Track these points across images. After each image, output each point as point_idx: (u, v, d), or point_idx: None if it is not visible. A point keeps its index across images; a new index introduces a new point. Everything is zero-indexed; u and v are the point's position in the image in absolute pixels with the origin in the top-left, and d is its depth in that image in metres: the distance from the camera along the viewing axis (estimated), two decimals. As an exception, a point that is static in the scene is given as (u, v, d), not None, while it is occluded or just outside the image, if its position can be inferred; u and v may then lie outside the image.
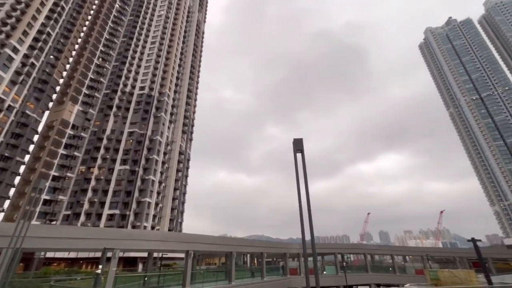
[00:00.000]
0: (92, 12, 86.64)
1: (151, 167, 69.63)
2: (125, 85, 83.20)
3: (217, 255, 55.76)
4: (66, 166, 65.99)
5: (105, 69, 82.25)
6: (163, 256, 43.97)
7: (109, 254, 16.23)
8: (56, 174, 63.72)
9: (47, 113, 68.07)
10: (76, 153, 68.24)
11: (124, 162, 70.08)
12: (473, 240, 22.84)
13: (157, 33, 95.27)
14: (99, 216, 62.81)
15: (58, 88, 70.95)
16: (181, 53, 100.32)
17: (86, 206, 63.78)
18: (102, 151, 71.23)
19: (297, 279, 34.90)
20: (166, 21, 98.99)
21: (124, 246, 18.70)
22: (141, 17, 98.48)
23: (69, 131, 68.74)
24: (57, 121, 68.14)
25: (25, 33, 61.03)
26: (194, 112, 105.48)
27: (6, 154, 55.31)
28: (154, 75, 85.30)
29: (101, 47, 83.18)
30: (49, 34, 66.76)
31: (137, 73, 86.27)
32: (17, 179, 58.40)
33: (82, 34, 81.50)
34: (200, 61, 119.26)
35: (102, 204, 64.54)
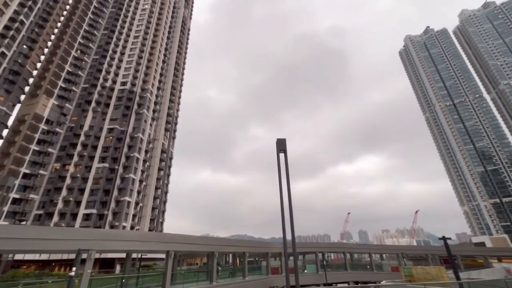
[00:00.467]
0: (70, 1, 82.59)
1: (132, 165, 67.97)
2: (105, 80, 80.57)
3: (198, 255, 55.12)
4: (38, 163, 62.50)
5: (83, 62, 78.75)
6: (143, 256, 42.83)
7: (84, 256, 15.54)
8: (27, 171, 60.15)
9: (18, 106, 64.09)
10: (50, 150, 64.79)
11: (103, 159, 67.81)
12: (443, 239, 24.15)
13: (141, 27, 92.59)
14: (75, 216, 60.14)
15: (31, 80, 67.00)
16: (166, 49, 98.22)
17: (60, 205, 60.84)
18: (79, 147, 68.37)
19: (279, 278, 35.25)
20: (150, 16, 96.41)
21: (100, 247, 18.00)
22: (123, 10, 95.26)
23: (42, 126, 65.11)
24: (29, 115, 64.32)
25: (-5, 20, 57.02)
26: (177, 110, 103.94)
27: (-29, 149, 51.39)
28: (136, 70, 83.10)
29: (79, 39, 79.53)
30: (22, 23, 62.82)
31: (118, 67, 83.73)
32: (-17, 176, 54.38)
33: (59, 25, 77.46)
34: (185, 58, 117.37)
35: (78, 203, 61.87)
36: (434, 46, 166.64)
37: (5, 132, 59.21)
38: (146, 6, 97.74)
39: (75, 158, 67.01)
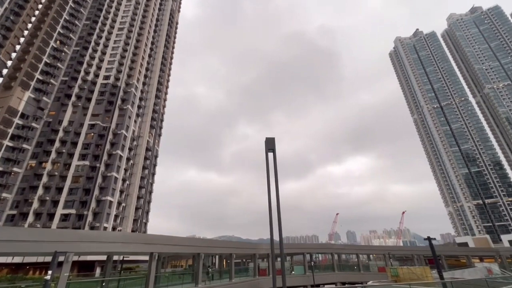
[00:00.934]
0: (50, -12, 79.38)
1: (114, 163, 66.66)
2: (87, 73, 78.52)
3: (184, 257, 54.54)
4: (12, 160, 59.85)
5: (63, 54, 76.03)
6: (125, 259, 41.92)
7: (61, 258, 15.03)
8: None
9: (-10, 98, 61.02)
10: (25, 146, 62.19)
11: (83, 157, 66.10)
12: (428, 239, 25.03)
13: (126, 18, 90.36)
14: (51, 216, 58.14)
15: (5, 71, 64.04)
16: (152, 43, 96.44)
17: (35, 205, 58.61)
18: (57, 144, 66.16)
19: (266, 280, 35.43)
20: (136, 7, 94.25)
21: (79, 249, 17.46)
22: (108, 0, 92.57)
23: (17, 120, 62.36)
24: (2, 108, 61.41)
25: (-35, 5, 54.02)
26: (164, 106, 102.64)
27: None
28: (121, 64, 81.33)
29: (59, 29, 76.65)
30: (-5, 9, 59.85)
31: (101, 60, 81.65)
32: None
33: (36, 13, 74.38)
34: (172, 53, 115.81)
35: (55, 203, 59.84)
36: (423, 48, 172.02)
37: (-25, 126, 56.31)
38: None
39: (53, 155, 64.85)
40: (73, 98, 73.38)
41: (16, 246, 15.56)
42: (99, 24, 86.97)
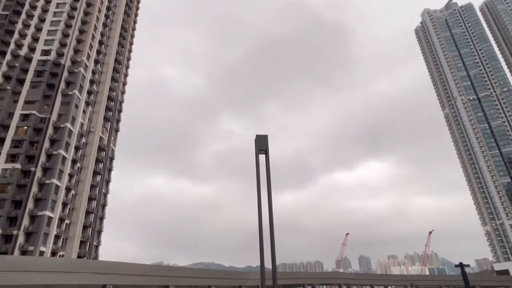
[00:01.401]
0: None
1: (55, 167, 65.69)
2: (18, 46, 77.08)
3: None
4: None
5: (-13, 20, 74.02)
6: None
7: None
8: None
9: None
10: None
11: (12, 158, 64.96)
12: (461, 266, 25.74)
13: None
14: (-32, 237, 56.44)
15: None
16: (108, 8, 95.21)
17: None
18: (-23, 140, 64.23)
19: (255, 319, 35.55)
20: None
21: (4, 281, 17.03)
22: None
23: None
24: None
25: None
26: (123, 93, 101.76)
27: None
28: (65, 35, 79.99)
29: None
30: None
31: (39, 30, 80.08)
32: None
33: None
34: (135, 22, 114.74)
35: (-26, 219, 58.14)
36: (457, 24, 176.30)
37: None
38: None
39: (-29, 155, 63.04)
40: (0, 79, 71.65)
41: None
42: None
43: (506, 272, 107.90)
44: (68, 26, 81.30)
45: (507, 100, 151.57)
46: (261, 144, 10.54)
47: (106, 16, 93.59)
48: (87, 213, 75.62)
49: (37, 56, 76.42)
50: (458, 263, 26.40)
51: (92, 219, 77.30)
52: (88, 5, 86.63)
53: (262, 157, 10.67)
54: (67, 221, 68.81)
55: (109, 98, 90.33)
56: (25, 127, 67.99)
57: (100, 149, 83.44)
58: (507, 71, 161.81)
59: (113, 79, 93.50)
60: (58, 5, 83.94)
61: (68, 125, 70.63)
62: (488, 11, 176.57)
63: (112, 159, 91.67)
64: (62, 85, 73.87)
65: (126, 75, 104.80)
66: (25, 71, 74.26)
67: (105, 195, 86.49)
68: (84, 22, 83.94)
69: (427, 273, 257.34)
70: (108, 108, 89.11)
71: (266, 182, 10.33)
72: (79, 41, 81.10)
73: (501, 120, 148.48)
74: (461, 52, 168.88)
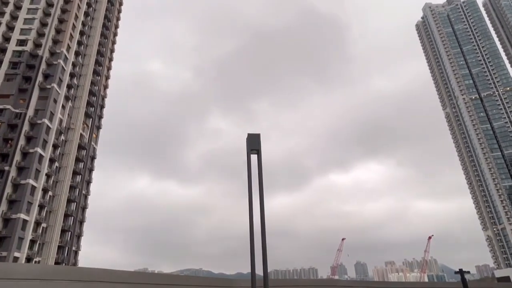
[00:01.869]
0: None
1: (31, 167, 65.44)
2: (-8, 35, 75.65)
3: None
4: None
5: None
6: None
7: None
8: None
9: None
10: None
11: (-16, 156, 63.91)
12: (461, 272, 26.16)
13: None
14: None
15: None
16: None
17: None
18: None
19: (245, 329, 35.58)
20: None
21: (-25, 290, 16.68)
22: None
23: None
24: None
25: None
26: (105, 87, 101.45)
27: None
28: (43, 24, 79.39)
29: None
30: None
31: (14, 18, 79.30)
32: None
33: None
34: (119, 12, 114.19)
35: None
36: (459, 20, 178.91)
37: None
38: None
39: None
40: (-29, 71, 70.83)
41: None
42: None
43: (507, 279, 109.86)
44: (46, 14, 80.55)
45: (510, 100, 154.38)
46: (253, 144, 10.51)
47: (88, 5, 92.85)
48: (66, 216, 75.34)
49: (12, 46, 75.72)
50: (458, 270, 26.82)
51: (71, 223, 77.11)
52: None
53: (254, 157, 10.66)
54: (44, 225, 68.50)
55: (91, 93, 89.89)
56: (-1, 123, 67.51)
57: (80, 147, 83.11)
58: (510, 69, 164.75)
59: (95, 73, 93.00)
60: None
61: (46, 121, 70.17)
62: (491, 7, 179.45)
63: (93, 158, 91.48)
64: (40, 78, 73.35)
65: (109, 68, 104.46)
66: (-1, 62, 73.57)
67: (86, 196, 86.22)
68: (64, 11, 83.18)
69: (426, 280, 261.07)
70: (89, 104, 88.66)
71: (258, 184, 10.32)
72: (58, 31, 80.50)
73: (504, 121, 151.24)
74: (463, 49, 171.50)
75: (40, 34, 77.99)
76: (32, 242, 64.41)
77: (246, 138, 10.84)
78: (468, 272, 27.23)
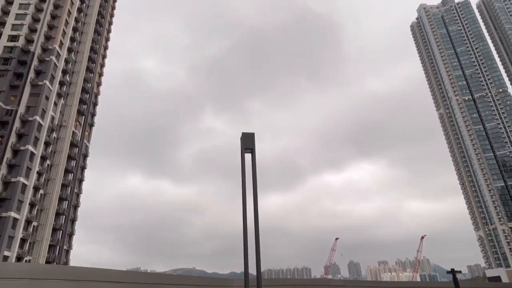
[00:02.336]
0: None
1: (22, 164, 65.17)
2: (-17, 30, 74.76)
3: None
4: None
5: None
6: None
7: None
8: None
9: None
10: None
11: (-26, 153, 63.18)
12: (452, 272, 26.48)
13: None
14: None
15: None
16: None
17: None
18: None
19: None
20: None
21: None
22: None
23: None
24: None
25: None
26: (99, 84, 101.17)
27: None
28: (36, 19, 78.79)
29: None
30: None
31: (5, 13, 78.52)
32: None
33: None
34: (113, 8, 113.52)
35: None
36: (453, 22, 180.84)
37: None
38: None
39: None
40: (-39, 67, 70.11)
41: None
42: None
43: (498, 278, 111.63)
44: (38, 10, 79.94)
45: (502, 101, 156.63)
46: (247, 142, 10.55)
47: (82, 1, 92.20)
48: (57, 214, 75.18)
49: (3, 41, 75.17)
50: (450, 269, 27.14)
51: (63, 221, 76.99)
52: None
53: (248, 156, 10.69)
54: (34, 223, 68.22)
55: (84, 90, 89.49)
56: (-11, 120, 67.09)
57: (72, 145, 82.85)
58: (502, 71, 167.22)
59: (88, 70, 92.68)
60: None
61: (38, 118, 69.80)
62: (485, 9, 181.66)
63: (85, 156, 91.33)
64: (31, 75, 72.99)
65: (102, 66, 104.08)
66: (-10, 58, 73.04)
67: (78, 195, 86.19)
68: (56, 6, 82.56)
69: (419, 279, 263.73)
70: (82, 101, 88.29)
71: (252, 183, 10.36)
72: (51, 27, 79.93)
73: (496, 122, 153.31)
74: (457, 50, 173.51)
75: (32, 30, 77.42)
76: (23, 240, 64.20)
77: (240, 137, 10.87)
78: (460, 271, 27.59)
